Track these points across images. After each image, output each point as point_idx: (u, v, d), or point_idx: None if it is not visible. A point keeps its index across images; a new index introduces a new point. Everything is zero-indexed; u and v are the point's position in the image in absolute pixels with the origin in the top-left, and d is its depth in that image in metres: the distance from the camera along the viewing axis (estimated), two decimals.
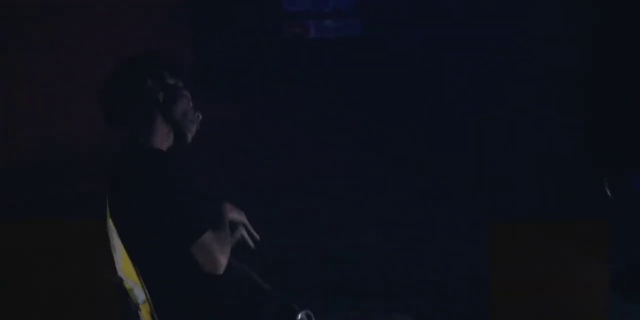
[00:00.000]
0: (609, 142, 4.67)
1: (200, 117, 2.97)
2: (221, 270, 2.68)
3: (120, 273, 2.82)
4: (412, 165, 5.15)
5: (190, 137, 2.95)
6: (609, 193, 3.93)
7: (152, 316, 2.76)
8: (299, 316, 2.78)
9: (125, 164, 2.79)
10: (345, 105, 5.28)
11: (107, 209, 2.80)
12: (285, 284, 3.01)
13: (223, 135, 4.72)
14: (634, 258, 4.07)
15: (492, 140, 5.16)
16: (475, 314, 4.05)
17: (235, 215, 2.88)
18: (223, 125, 4.79)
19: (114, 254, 2.82)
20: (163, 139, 2.94)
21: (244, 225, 2.90)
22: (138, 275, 2.73)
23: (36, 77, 4.78)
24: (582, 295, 3.95)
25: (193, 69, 5.03)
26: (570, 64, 4.92)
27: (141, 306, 2.79)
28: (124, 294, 2.81)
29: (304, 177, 5.03)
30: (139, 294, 2.79)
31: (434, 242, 4.62)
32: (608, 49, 4.83)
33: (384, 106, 5.32)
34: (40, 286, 4.15)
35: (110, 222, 2.79)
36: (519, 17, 5.14)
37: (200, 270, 2.73)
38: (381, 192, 5.02)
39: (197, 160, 3.46)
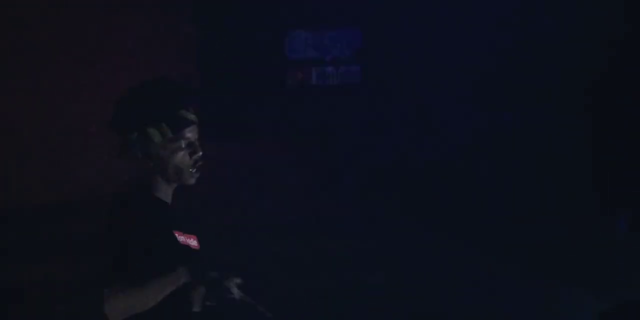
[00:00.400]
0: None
1: (201, 154, 3.06)
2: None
3: None
4: (414, 209, 5.14)
5: (192, 180, 2.89)
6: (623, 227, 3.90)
7: None
8: None
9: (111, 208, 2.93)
10: (345, 148, 5.38)
11: None
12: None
13: (226, 176, 4.87)
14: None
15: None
16: None
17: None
18: (227, 167, 4.97)
19: None
20: (160, 184, 3.06)
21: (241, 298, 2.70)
22: None
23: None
24: None
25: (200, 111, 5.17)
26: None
27: None
28: None
29: (304, 217, 5.05)
30: None
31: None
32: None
33: (384, 149, 5.38)
34: None
35: None
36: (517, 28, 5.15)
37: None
38: (383, 232, 5.03)
39: (198, 196, 3.48)
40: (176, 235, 2.77)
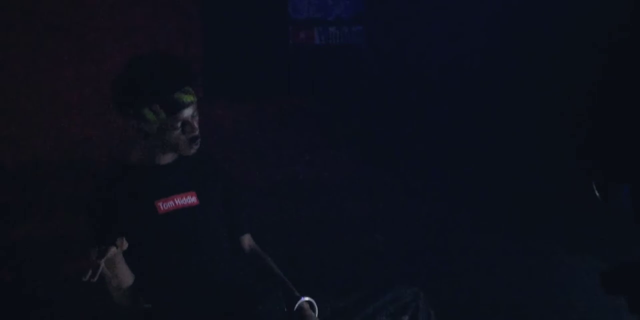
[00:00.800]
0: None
1: (197, 131, 2.87)
2: (125, 304, 2.75)
3: None
4: (416, 168, 5.15)
5: (192, 151, 2.89)
6: (598, 195, 3.91)
7: None
8: (300, 301, 2.84)
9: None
10: (348, 108, 5.38)
11: None
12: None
13: (229, 136, 4.93)
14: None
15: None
16: None
17: None
18: (230, 126, 5.03)
19: None
20: (153, 153, 2.90)
21: None
22: None
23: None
24: None
25: (204, 71, 5.18)
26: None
27: None
28: None
29: (307, 178, 5.08)
30: None
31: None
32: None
33: (386, 110, 5.41)
34: None
35: None
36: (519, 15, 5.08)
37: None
38: (386, 193, 5.04)
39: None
40: (159, 202, 2.82)
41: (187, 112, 2.86)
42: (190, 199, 2.88)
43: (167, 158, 2.94)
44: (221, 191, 3.01)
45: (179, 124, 2.83)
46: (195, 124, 2.87)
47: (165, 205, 2.82)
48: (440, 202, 4.95)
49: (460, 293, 4.17)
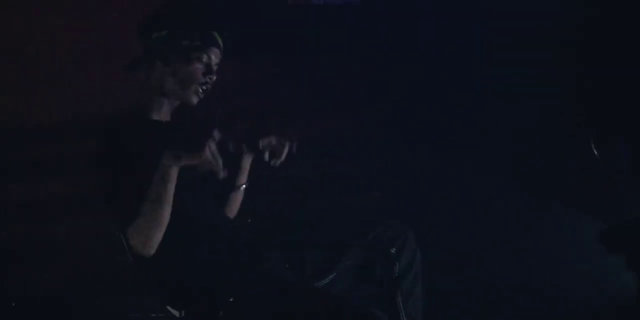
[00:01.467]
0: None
1: (214, 78, 2.96)
2: (151, 252, 2.62)
3: None
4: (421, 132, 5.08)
5: (195, 99, 2.96)
6: (595, 152, 3.83)
7: None
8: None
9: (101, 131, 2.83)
10: (347, 70, 5.26)
11: None
12: None
13: (227, 96, 4.81)
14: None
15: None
16: None
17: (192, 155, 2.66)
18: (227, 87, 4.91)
19: None
20: (159, 103, 2.99)
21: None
22: None
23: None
24: None
25: None
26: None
27: None
28: None
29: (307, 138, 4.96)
30: None
31: None
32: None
33: (387, 71, 5.28)
34: None
35: None
36: None
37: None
38: (389, 156, 5.00)
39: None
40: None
41: (215, 54, 2.93)
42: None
43: (168, 113, 3.05)
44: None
45: (204, 59, 2.87)
46: (215, 71, 2.94)
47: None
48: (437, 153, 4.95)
49: (449, 239, 4.18)
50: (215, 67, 3.04)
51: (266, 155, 3.03)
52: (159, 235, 2.57)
